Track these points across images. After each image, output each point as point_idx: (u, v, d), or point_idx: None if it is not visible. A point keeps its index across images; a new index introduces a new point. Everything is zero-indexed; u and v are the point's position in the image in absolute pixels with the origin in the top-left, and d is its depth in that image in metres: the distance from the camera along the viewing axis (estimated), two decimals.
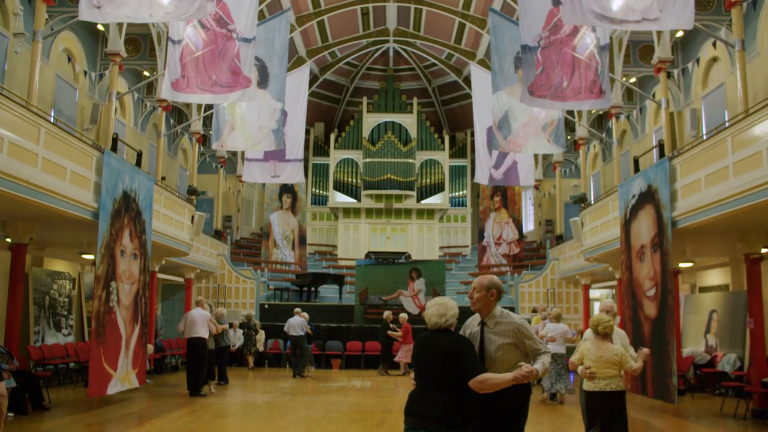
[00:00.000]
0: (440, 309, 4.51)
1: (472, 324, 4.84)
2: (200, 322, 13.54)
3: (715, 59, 16.50)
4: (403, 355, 18.27)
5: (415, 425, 4.30)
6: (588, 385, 6.59)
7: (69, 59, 16.78)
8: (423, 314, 4.74)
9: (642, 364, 6.71)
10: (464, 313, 4.52)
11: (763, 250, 12.06)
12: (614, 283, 18.84)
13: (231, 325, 16.62)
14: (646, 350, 6.85)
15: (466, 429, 4.27)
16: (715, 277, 17.09)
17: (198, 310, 13.75)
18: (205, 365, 13.54)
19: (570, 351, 15.62)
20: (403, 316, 18.76)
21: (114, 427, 9.87)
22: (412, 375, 4.21)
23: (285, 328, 17.72)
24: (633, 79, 19.23)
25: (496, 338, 4.65)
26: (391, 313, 19.03)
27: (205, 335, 13.58)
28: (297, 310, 17.97)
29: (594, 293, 22.85)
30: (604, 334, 6.65)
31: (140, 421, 10.65)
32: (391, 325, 18.57)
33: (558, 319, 12.96)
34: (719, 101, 16.20)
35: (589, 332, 6.98)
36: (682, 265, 15.48)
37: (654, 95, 18.82)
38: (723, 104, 15.91)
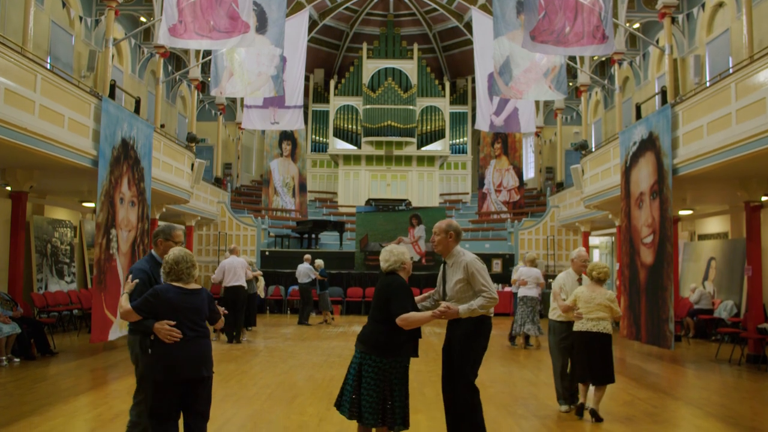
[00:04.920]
0: (385, 255, 5.17)
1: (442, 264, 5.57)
2: (241, 270, 13.77)
3: (720, 4, 16.22)
4: None
5: (359, 350, 5.04)
6: (576, 326, 7.15)
7: (63, 4, 16.48)
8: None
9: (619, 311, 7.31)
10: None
11: (764, 198, 12.07)
12: (614, 230, 18.90)
13: None
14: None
15: (395, 356, 4.92)
16: (715, 224, 17.13)
17: (235, 258, 13.90)
18: (243, 313, 13.90)
19: (546, 297, 15.92)
20: None
21: (119, 371, 10.03)
22: None
23: (296, 275, 17.56)
24: (636, 25, 18.95)
25: (453, 275, 5.34)
26: None
27: (244, 283, 13.86)
28: (306, 256, 17.69)
29: (594, 240, 22.96)
30: (598, 279, 7.16)
31: None
32: None
33: (533, 263, 13.15)
34: (724, 47, 15.99)
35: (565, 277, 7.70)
36: (681, 212, 15.51)
37: (658, 41, 18.57)
38: (728, 50, 15.71)
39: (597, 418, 6.97)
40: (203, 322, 4.75)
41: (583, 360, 7.07)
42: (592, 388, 7.19)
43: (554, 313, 7.58)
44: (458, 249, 5.44)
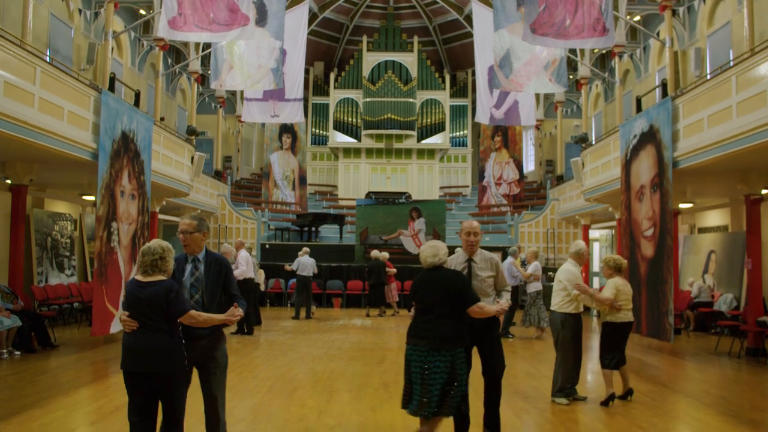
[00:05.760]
0: (433, 250, 5.34)
1: (457, 261, 5.89)
2: (251, 264, 14.15)
3: None
4: (391, 294, 18.25)
5: (428, 346, 5.10)
6: (619, 316, 7.69)
7: None
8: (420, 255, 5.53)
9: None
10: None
11: (764, 191, 12.06)
12: (614, 223, 18.90)
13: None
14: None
15: (460, 346, 5.21)
16: (715, 217, 17.13)
17: (245, 252, 14.17)
18: (256, 305, 14.45)
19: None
20: (384, 255, 18.40)
21: (119, 364, 10.03)
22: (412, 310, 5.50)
23: (294, 267, 17.25)
24: (637, 17, 18.91)
25: (482, 272, 5.82)
26: (379, 252, 18.67)
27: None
28: (305, 249, 17.50)
29: (593, 233, 22.95)
30: (623, 272, 7.86)
31: None
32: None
33: (536, 256, 13.51)
34: (725, 40, 15.95)
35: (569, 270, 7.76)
36: (682, 205, 15.49)
37: (658, 34, 18.53)
38: (728, 43, 15.67)
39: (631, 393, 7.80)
40: (157, 316, 4.47)
41: (621, 348, 7.67)
42: (616, 373, 7.73)
43: (570, 306, 7.46)
44: (480, 249, 5.97)
